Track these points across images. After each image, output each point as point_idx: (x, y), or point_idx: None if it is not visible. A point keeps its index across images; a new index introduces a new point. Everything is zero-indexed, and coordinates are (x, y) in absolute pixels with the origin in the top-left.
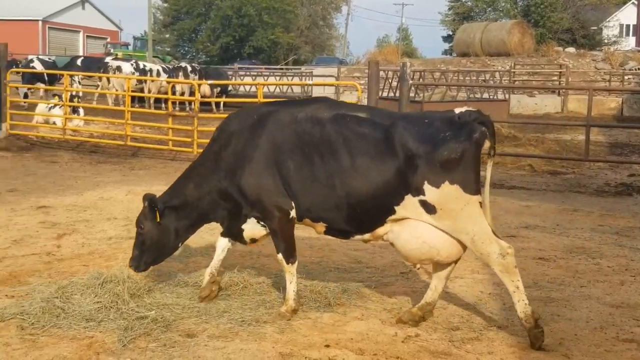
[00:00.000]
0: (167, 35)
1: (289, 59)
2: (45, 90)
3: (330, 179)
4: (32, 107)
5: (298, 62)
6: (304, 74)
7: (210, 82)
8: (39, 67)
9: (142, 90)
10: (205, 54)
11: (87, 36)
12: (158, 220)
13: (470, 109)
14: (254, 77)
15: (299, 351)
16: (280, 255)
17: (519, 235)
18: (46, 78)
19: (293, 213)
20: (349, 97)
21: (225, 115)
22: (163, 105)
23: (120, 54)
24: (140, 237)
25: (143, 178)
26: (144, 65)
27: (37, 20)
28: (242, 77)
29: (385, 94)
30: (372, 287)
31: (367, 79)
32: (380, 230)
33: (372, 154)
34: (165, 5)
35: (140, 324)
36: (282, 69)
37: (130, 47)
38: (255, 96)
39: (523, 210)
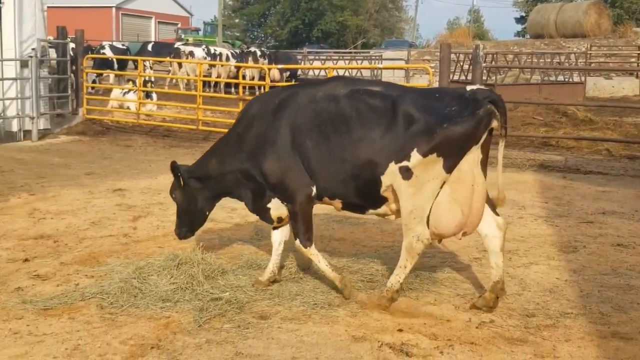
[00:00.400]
0: (237, 20)
1: (358, 43)
2: (117, 76)
3: (341, 152)
4: (107, 92)
5: (367, 46)
6: (373, 57)
7: (280, 66)
8: (109, 54)
9: (212, 75)
10: (274, 38)
11: (158, 22)
12: (182, 186)
13: (483, 87)
14: (323, 61)
15: (371, 335)
16: (298, 241)
17: (596, 221)
18: (116, 64)
19: (314, 192)
20: (419, 81)
21: None
22: (233, 89)
23: (190, 39)
24: (176, 206)
25: None
26: (214, 50)
27: (111, 7)
28: (311, 61)
29: (456, 77)
30: (444, 271)
31: (438, 62)
32: (393, 206)
33: (379, 125)
34: None
35: (214, 305)
36: (351, 52)
37: (201, 33)
38: None
39: (600, 195)
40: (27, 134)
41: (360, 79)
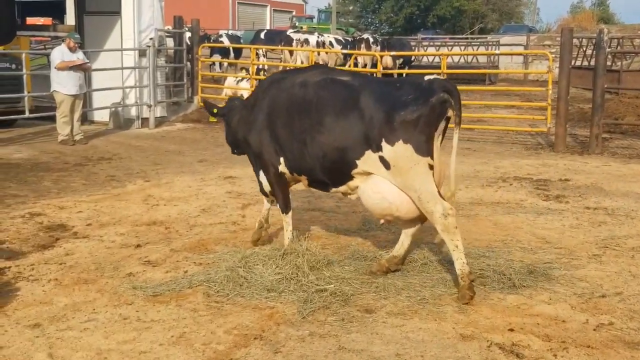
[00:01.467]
0: (351, 7)
1: (475, 28)
2: (230, 64)
3: (303, 134)
4: (219, 80)
5: (484, 31)
6: (490, 43)
7: (393, 53)
8: (226, 43)
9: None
10: (388, 24)
11: (273, 10)
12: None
13: (439, 77)
14: (437, 48)
15: (480, 334)
16: (278, 205)
17: None
18: (232, 53)
19: (281, 168)
20: (538, 67)
21: None
22: None
23: (304, 27)
24: None
25: None
26: (319, 37)
27: None
28: (425, 48)
29: (578, 63)
30: (560, 269)
31: (558, 47)
32: (351, 184)
33: (338, 112)
34: None
35: (319, 297)
36: (466, 38)
37: (315, 20)
38: (438, 67)
39: None
40: (144, 121)
41: (336, 68)
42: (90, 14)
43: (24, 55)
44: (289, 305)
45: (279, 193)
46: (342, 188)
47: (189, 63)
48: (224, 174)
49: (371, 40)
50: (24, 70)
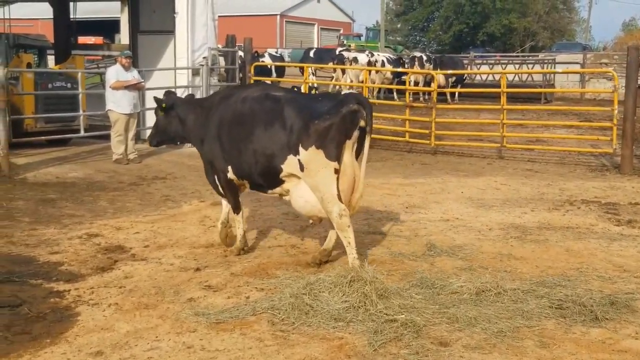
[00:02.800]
0: (399, 25)
1: (526, 46)
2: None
3: (241, 144)
4: None
5: (535, 49)
6: (546, 61)
7: (449, 72)
8: (268, 62)
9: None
10: (436, 42)
11: (321, 28)
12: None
13: (354, 92)
14: (491, 66)
15: None
16: (230, 207)
17: None
18: (274, 72)
19: (230, 175)
20: (596, 86)
21: (461, 106)
22: (395, 95)
23: (353, 45)
24: None
25: (380, 170)
26: (370, 56)
27: (275, 15)
28: (478, 66)
29: None
30: None
31: (615, 65)
32: (285, 187)
33: (266, 122)
34: None
35: (390, 328)
36: (520, 56)
37: (363, 38)
38: (492, 85)
39: None
40: None
41: (273, 85)
42: (144, 33)
43: (80, 74)
44: (359, 336)
45: (230, 196)
46: (277, 190)
47: (240, 82)
48: None
49: (424, 58)
50: (80, 89)
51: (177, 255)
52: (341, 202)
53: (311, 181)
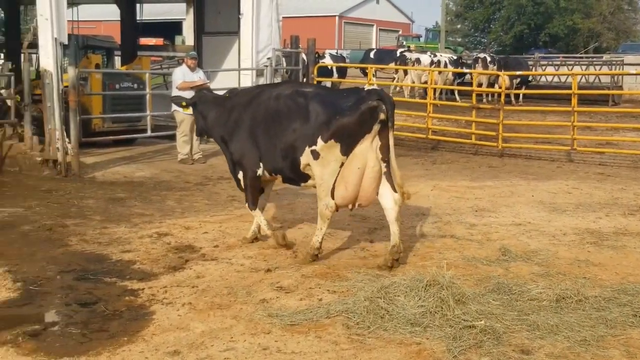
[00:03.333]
0: (459, 26)
1: (590, 47)
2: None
3: (275, 139)
4: None
5: (599, 50)
6: (614, 62)
7: (518, 73)
8: (329, 62)
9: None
10: (497, 43)
11: (379, 29)
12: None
13: (376, 88)
14: (556, 67)
15: None
16: (247, 204)
17: None
18: (335, 73)
19: (260, 172)
20: None
21: (528, 108)
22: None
23: (412, 46)
24: None
25: (446, 172)
26: (432, 57)
27: (334, 16)
28: (543, 67)
29: None
30: None
31: None
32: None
33: (295, 118)
34: None
35: (468, 334)
36: (582, 57)
37: (422, 39)
38: (558, 87)
39: None
40: None
41: (305, 82)
42: (209, 34)
43: (147, 75)
44: (437, 342)
45: (251, 193)
46: (309, 183)
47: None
48: None
49: (488, 59)
50: (147, 90)
51: (246, 255)
52: (333, 197)
53: (320, 170)
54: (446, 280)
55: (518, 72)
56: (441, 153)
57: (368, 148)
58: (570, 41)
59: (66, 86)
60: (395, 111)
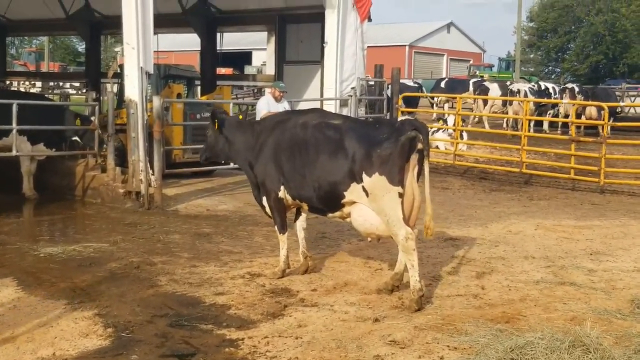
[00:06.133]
0: (532, 55)
1: None
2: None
3: (303, 168)
4: None
5: None
6: None
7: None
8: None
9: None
10: (571, 73)
11: (450, 59)
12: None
13: (411, 118)
14: None
15: None
16: (276, 227)
17: None
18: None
19: (281, 194)
20: None
21: (628, 141)
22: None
23: (485, 76)
24: None
25: (547, 210)
26: (542, 86)
27: (405, 45)
28: (632, 98)
29: None
30: None
31: None
32: (345, 210)
33: (329, 151)
34: (531, 24)
35: None
36: None
37: (495, 69)
38: None
39: None
40: None
41: (332, 112)
42: (290, 63)
43: (231, 105)
44: None
45: (277, 215)
46: (337, 214)
47: (388, 114)
48: (442, 235)
49: (576, 89)
50: None
51: (348, 301)
52: (408, 225)
53: (376, 205)
54: (592, 341)
55: (621, 104)
56: (536, 188)
57: (410, 178)
58: None
59: (149, 116)
60: (482, 143)
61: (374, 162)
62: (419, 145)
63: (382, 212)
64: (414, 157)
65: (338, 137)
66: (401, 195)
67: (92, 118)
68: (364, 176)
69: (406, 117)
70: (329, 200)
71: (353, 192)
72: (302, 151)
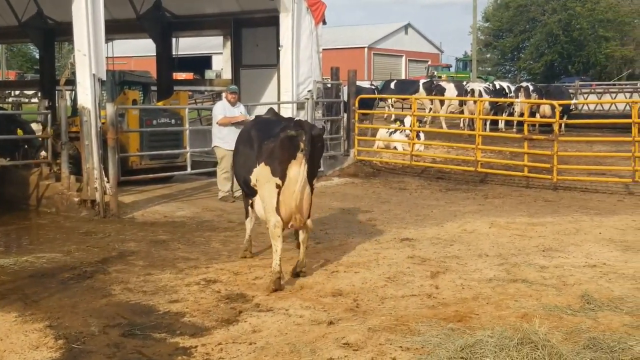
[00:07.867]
0: (488, 55)
1: (623, 74)
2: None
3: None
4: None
5: (633, 77)
6: None
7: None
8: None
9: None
10: (527, 72)
11: (409, 60)
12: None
13: (301, 119)
14: (599, 95)
15: None
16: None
17: None
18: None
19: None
20: None
21: (580, 138)
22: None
23: (443, 76)
24: None
25: (501, 208)
26: (497, 86)
27: (363, 47)
28: (585, 96)
29: None
30: None
31: None
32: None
33: (245, 144)
34: (487, 25)
35: None
36: (619, 84)
37: (452, 69)
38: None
39: None
40: None
41: (274, 113)
42: (247, 67)
43: (187, 110)
44: None
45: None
46: (256, 199)
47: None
48: (398, 235)
49: (531, 88)
50: (185, 125)
51: (303, 305)
52: (278, 214)
53: (260, 191)
54: (540, 338)
55: (574, 101)
56: (491, 186)
57: (295, 173)
58: (603, 69)
59: (103, 123)
60: (438, 143)
61: (263, 152)
62: (301, 145)
63: (263, 199)
64: (300, 156)
65: (249, 130)
66: (278, 187)
67: (39, 126)
68: (257, 164)
69: (299, 118)
70: (246, 185)
71: (253, 179)
72: (241, 146)
